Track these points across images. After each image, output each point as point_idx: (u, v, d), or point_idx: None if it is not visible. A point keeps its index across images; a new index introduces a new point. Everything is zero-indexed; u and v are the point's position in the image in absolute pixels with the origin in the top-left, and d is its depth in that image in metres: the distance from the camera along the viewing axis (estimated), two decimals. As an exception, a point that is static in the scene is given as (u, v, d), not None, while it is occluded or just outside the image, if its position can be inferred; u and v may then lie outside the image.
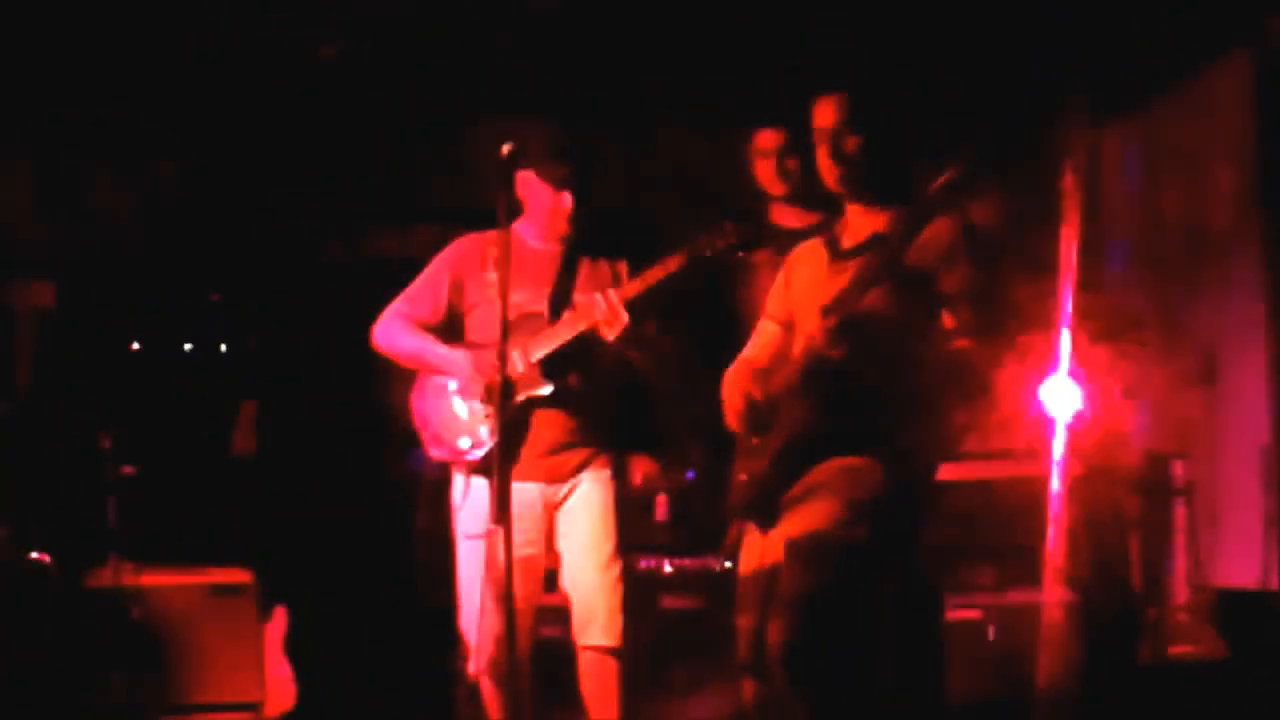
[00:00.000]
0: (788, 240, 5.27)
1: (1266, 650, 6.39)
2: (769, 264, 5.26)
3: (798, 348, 4.67)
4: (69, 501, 6.97)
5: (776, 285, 4.96)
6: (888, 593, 4.72)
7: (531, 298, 5.55)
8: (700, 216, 5.49)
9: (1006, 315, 4.65)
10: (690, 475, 7.21)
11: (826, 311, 4.45)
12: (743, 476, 4.73)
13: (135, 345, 8.06)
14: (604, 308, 5.36)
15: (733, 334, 5.59)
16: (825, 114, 4.71)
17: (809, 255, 4.88)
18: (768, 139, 6.06)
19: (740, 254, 5.39)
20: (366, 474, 7.82)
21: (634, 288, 5.43)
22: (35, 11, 6.87)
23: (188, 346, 8.34)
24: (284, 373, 8.30)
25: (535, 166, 5.53)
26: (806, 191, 5.74)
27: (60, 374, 7.70)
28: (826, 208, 5.01)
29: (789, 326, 4.84)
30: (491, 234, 5.51)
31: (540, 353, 5.47)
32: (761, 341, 4.93)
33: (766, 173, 6.09)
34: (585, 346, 5.48)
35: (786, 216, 6.02)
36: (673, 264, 5.40)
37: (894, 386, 4.50)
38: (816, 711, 4.45)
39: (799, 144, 5.53)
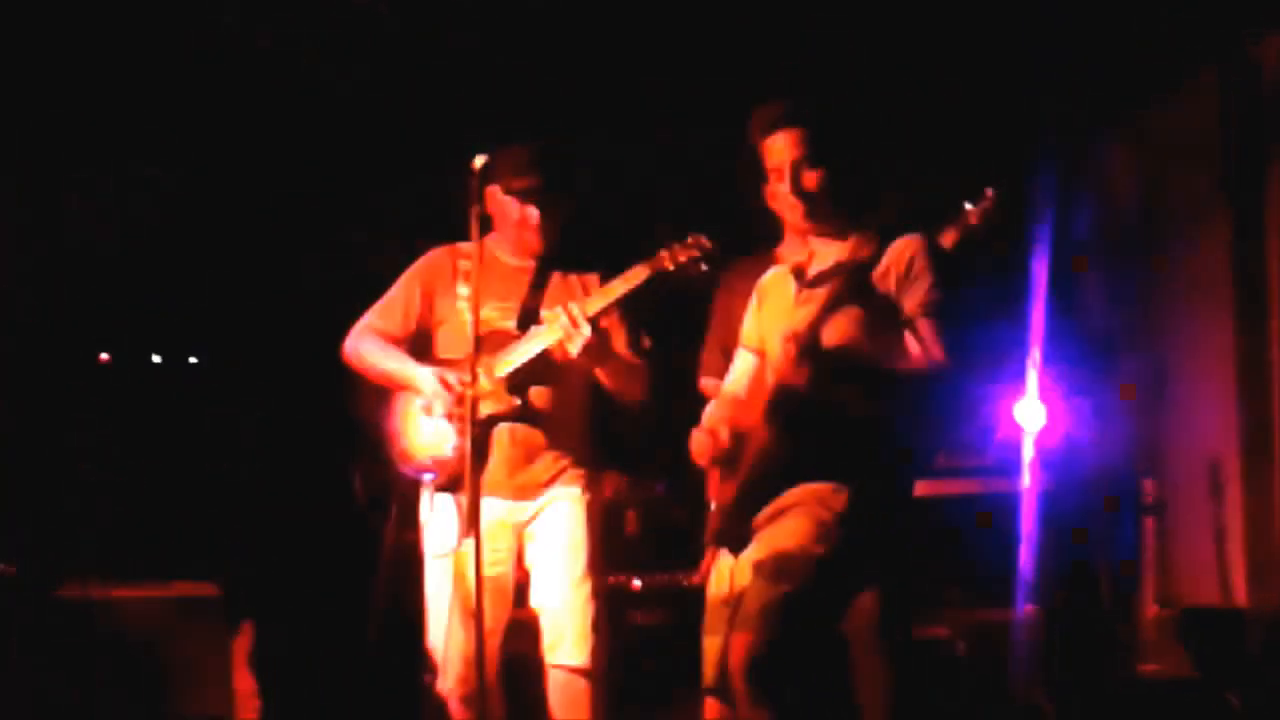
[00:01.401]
0: (764, 264, 5.21)
1: (1232, 667, 6.40)
2: (745, 280, 5.21)
3: (769, 377, 4.68)
4: (36, 514, 6.93)
5: (750, 314, 4.96)
6: (858, 610, 4.75)
7: (500, 313, 5.54)
8: (672, 228, 5.47)
9: (972, 333, 4.66)
10: (660, 489, 7.21)
11: (789, 340, 4.46)
12: (714, 506, 4.74)
13: (104, 356, 8.03)
14: (566, 322, 5.33)
15: (700, 347, 5.61)
16: (784, 148, 4.70)
17: (777, 284, 4.87)
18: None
19: (705, 268, 5.36)
20: (334, 489, 7.79)
21: (597, 302, 5.41)
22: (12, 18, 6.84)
23: (156, 359, 8.32)
24: (250, 385, 8.27)
25: (500, 181, 5.52)
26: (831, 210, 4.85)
27: (28, 385, 7.66)
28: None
29: (764, 356, 4.84)
30: (462, 246, 5.51)
31: (506, 369, 5.45)
32: (741, 373, 4.93)
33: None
34: (553, 363, 5.46)
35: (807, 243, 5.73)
36: (634, 277, 5.39)
37: (858, 411, 4.51)
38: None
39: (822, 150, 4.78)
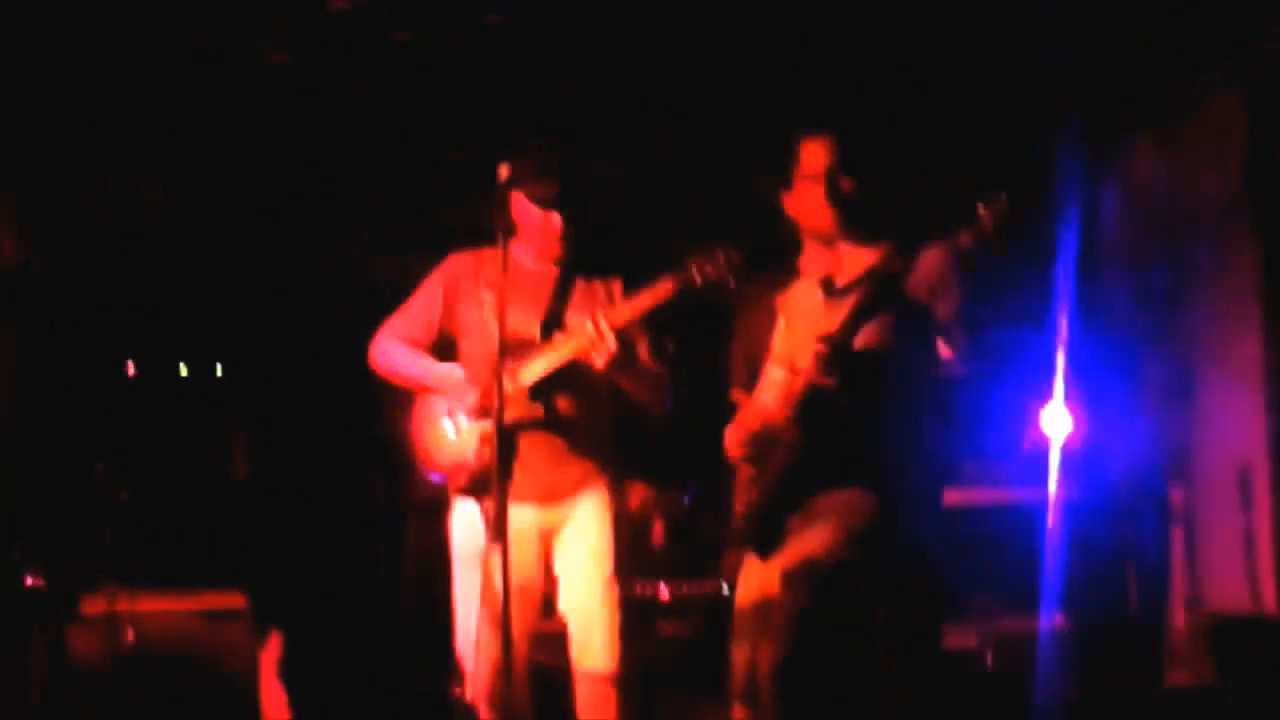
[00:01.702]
0: (786, 277, 5.20)
1: (1261, 675, 6.38)
2: (767, 291, 5.20)
3: (798, 382, 4.67)
4: (63, 527, 6.94)
5: (779, 328, 4.95)
6: (886, 619, 4.73)
7: (523, 320, 5.53)
8: (702, 237, 5.46)
9: (1001, 341, 4.66)
10: (687, 499, 7.21)
11: (821, 341, 4.46)
12: (739, 507, 4.73)
13: (131, 369, 8.04)
14: (592, 333, 5.33)
15: (725, 360, 5.60)
16: (817, 156, 4.71)
17: (804, 296, 4.87)
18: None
19: (734, 283, 5.33)
20: (361, 498, 7.81)
21: (622, 314, 5.39)
22: (20, 23, 6.85)
23: (184, 370, 8.34)
24: (278, 396, 8.29)
25: (523, 187, 5.51)
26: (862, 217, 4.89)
27: (54, 398, 7.67)
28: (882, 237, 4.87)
29: (794, 370, 4.84)
30: (486, 251, 5.50)
31: (530, 376, 5.44)
32: (771, 386, 4.92)
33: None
34: (577, 370, 5.46)
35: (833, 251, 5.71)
36: (662, 291, 5.37)
37: (887, 416, 4.51)
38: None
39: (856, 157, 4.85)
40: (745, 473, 4.81)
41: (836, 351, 4.43)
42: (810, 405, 4.55)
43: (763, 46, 7.14)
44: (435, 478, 5.61)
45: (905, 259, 4.48)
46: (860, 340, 4.49)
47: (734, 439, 4.76)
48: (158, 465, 7.72)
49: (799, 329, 4.82)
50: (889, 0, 6.82)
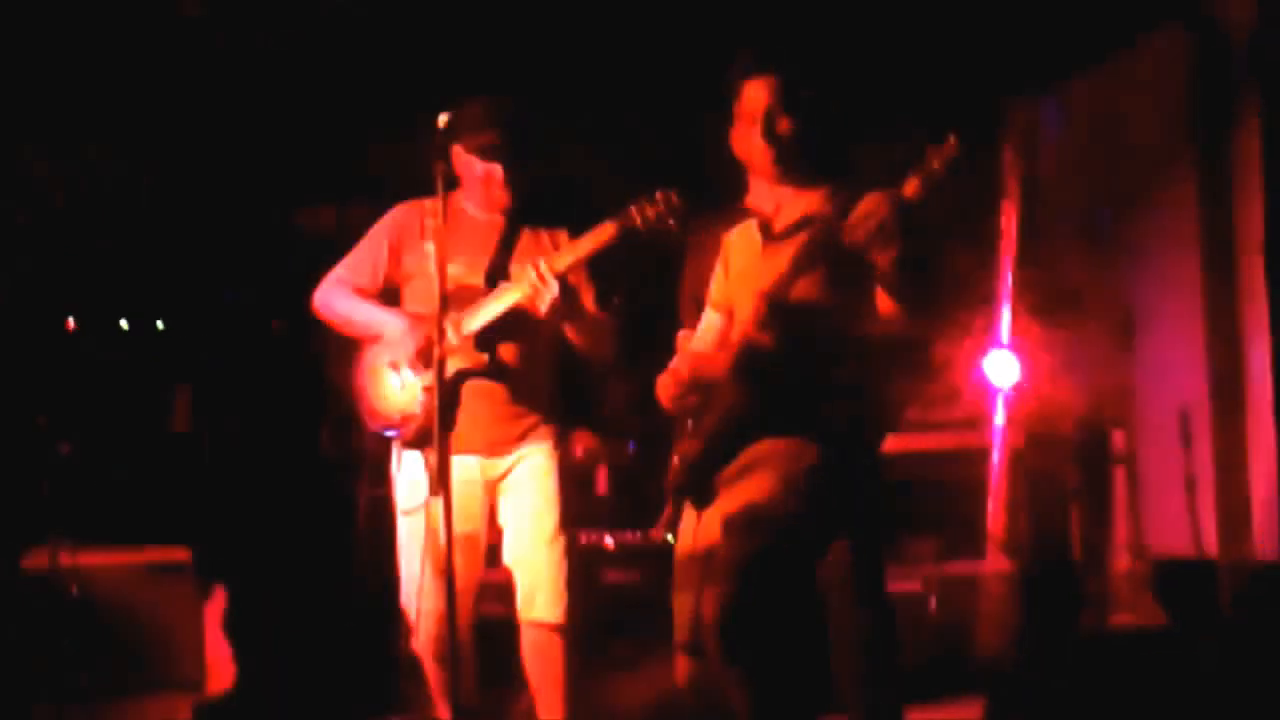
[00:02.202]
0: (734, 217, 5.19)
1: (1205, 617, 6.42)
2: (714, 234, 5.19)
3: (735, 333, 4.66)
4: (4, 482, 6.91)
5: (717, 274, 4.94)
6: (830, 564, 4.74)
7: (468, 269, 5.51)
8: (643, 184, 5.44)
9: (943, 289, 4.65)
10: (631, 448, 7.21)
11: (759, 298, 4.45)
12: (677, 458, 4.72)
13: (70, 323, 7.99)
14: (534, 279, 5.32)
15: (673, 308, 5.59)
16: (757, 94, 4.69)
17: (743, 239, 4.86)
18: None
19: (675, 225, 5.32)
20: (305, 450, 7.78)
21: (565, 260, 5.39)
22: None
23: (124, 324, 8.29)
24: (220, 350, 8.25)
25: (461, 139, 5.49)
26: (801, 161, 4.79)
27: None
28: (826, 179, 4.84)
29: (731, 314, 4.84)
30: (429, 202, 5.47)
31: (474, 325, 5.42)
32: (708, 330, 4.92)
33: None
34: (522, 319, 5.44)
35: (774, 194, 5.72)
36: (603, 234, 5.36)
37: (827, 371, 4.51)
38: (751, 683, 4.45)
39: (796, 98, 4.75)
40: (683, 424, 4.81)
41: (775, 310, 4.42)
42: (748, 361, 4.54)
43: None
44: (386, 431, 5.60)
45: (843, 203, 4.47)
46: (798, 292, 4.47)
47: (666, 388, 4.75)
48: (100, 419, 7.68)
49: (736, 273, 4.82)
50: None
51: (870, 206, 4.44)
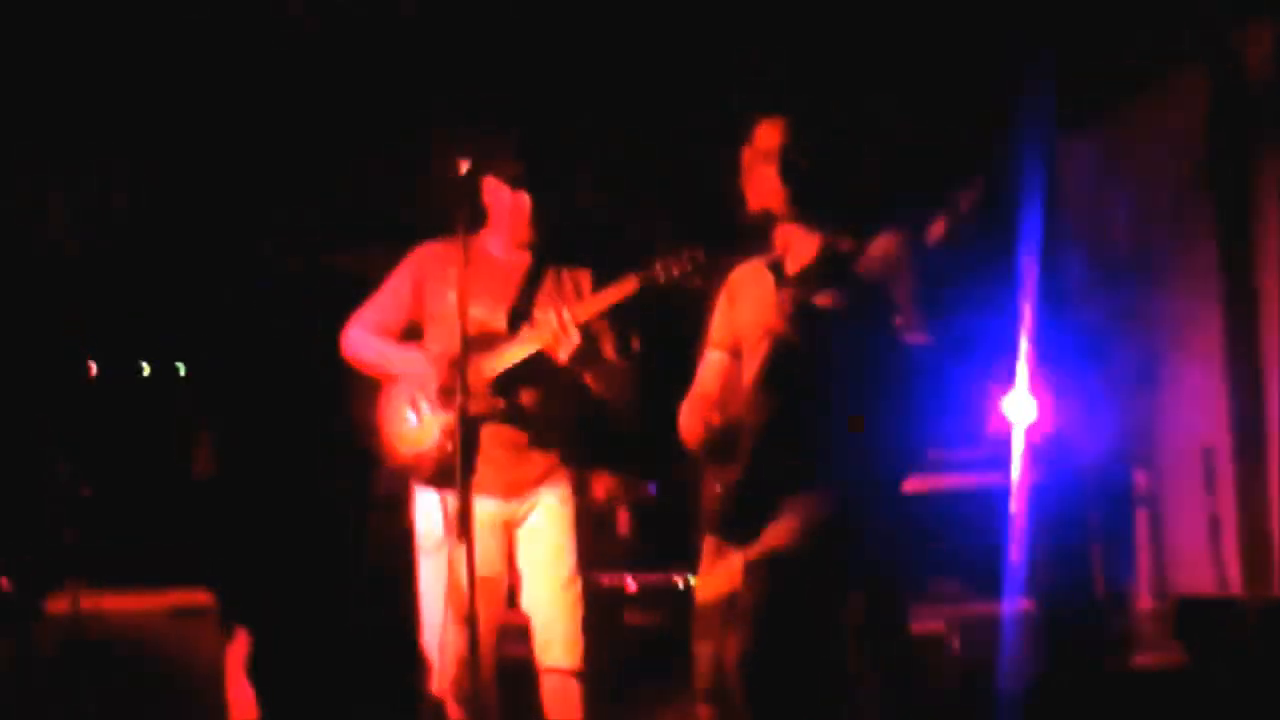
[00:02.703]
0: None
1: (1228, 657, 6.39)
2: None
3: (749, 373, 4.66)
4: (27, 525, 6.92)
5: (720, 313, 4.94)
6: (853, 608, 4.73)
7: (490, 312, 5.53)
8: (672, 229, 5.47)
9: (961, 326, 4.65)
10: (652, 490, 7.20)
11: (786, 298, 4.44)
12: (717, 487, 4.70)
13: (93, 367, 8.00)
14: (556, 328, 5.34)
15: (689, 354, 5.59)
16: (772, 134, 4.70)
17: (753, 280, 4.85)
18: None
19: (698, 282, 5.34)
20: (327, 493, 7.79)
21: (587, 310, 5.41)
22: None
23: (146, 368, 8.30)
24: (243, 393, 8.26)
25: (493, 168, 5.52)
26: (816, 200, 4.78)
27: (16, 397, 7.64)
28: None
29: (736, 354, 4.83)
30: (454, 241, 5.51)
31: (494, 369, 5.44)
32: (711, 372, 4.91)
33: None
34: (541, 364, 5.46)
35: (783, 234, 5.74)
36: (626, 288, 5.39)
37: (854, 385, 4.49)
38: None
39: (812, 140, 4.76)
40: (716, 458, 4.79)
41: (801, 308, 4.40)
42: (779, 365, 4.52)
43: (723, 30, 7.17)
44: (397, 467, 5.61)
45: (857, 241, 4.47)
46: (821, 301, 4.46)
47: (694, 430, 4.74)
48: (122, 463, 7.69)
49: (746, 313, 4.81)
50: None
51: (885, 244, 4.46)
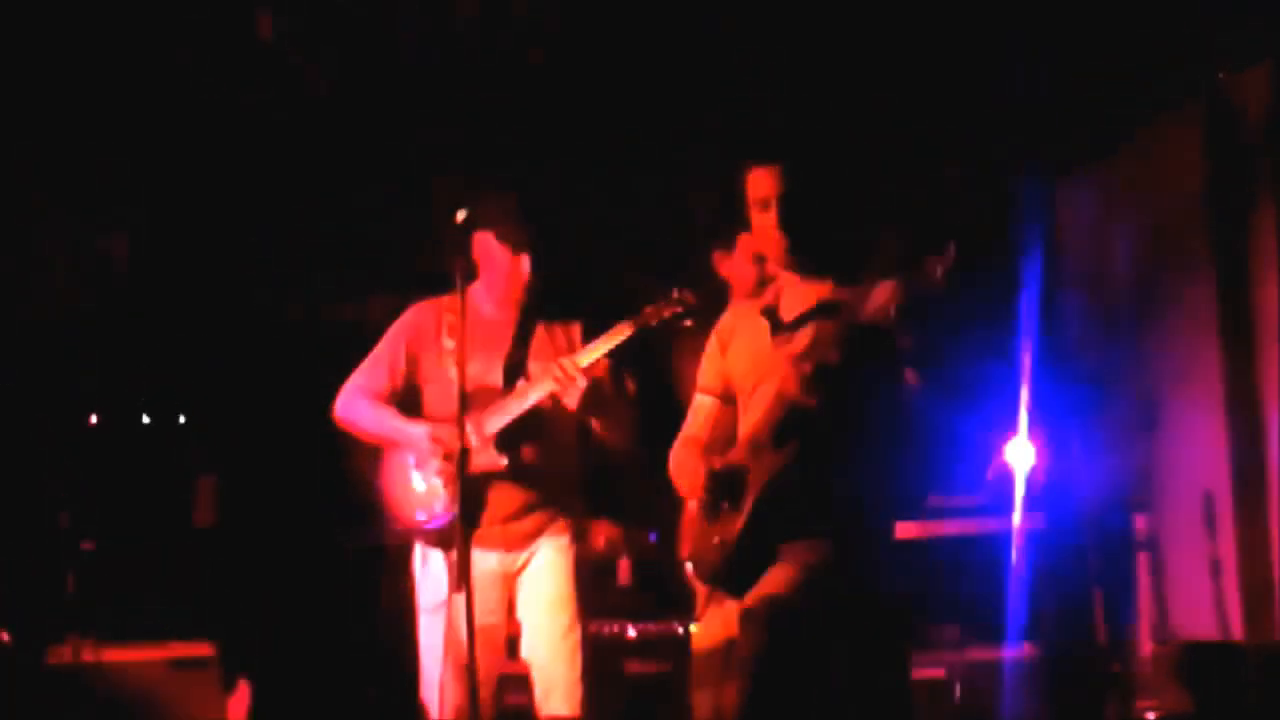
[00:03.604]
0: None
1: (1229, 702, 6.39)
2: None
3: (750, 417, 4.66)
4: (28, 578, 6.92)
5: (710, 359, 4.93)
6: (850, 653, 4.72)
7: (485, 369, 5.54)
8: (655, 278, 5.48)
9: (961, 374, 4.65)
10: (653, 538, 7.20)
11: (800, 360, 4.44)
12: (715, 539, 4.70)
13: (93, 419, 8.02)
14: (561, 374, 5.35)
15: (672, 397, 5.61)
16: (769, 182, 4.69)
17: (746, 327, 4.85)
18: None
19: (690, 324, 5.37)
20: (328, 544, 7.79)
21: (586, 356, 5.42)
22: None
23: (146, 419, 8.32)
24: (243, 443, 8.27)
25: (495, 229, 5.53)
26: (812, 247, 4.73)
27: (16, 449, 7.65)
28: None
29: (727, 400, 4.83)
30: (445, 300, 5.52)
31: (495, 426, 5.45)
32: (701, 417, 4.91)
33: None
34: (541, 417, 5.48)
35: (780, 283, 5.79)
36: (618, 335, 5.41)
37: (862, 438, 4.50)
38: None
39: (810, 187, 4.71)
40: (716, 506, 4.78)
41: (816, 370, 4.40)
42: (789, 424, 4.52)
43: (715, 87, 7.20)
44: (403, 528, 5.61)
45: (856, 291, 4.47)
46: (834, 360, 4.46)
47: (690, 478, 4.74)
48: (122, 514, 7.70)
49: (741, 359, 4.81)
50: (847, 39, 6.89)
51: (881, 296, 4.46)
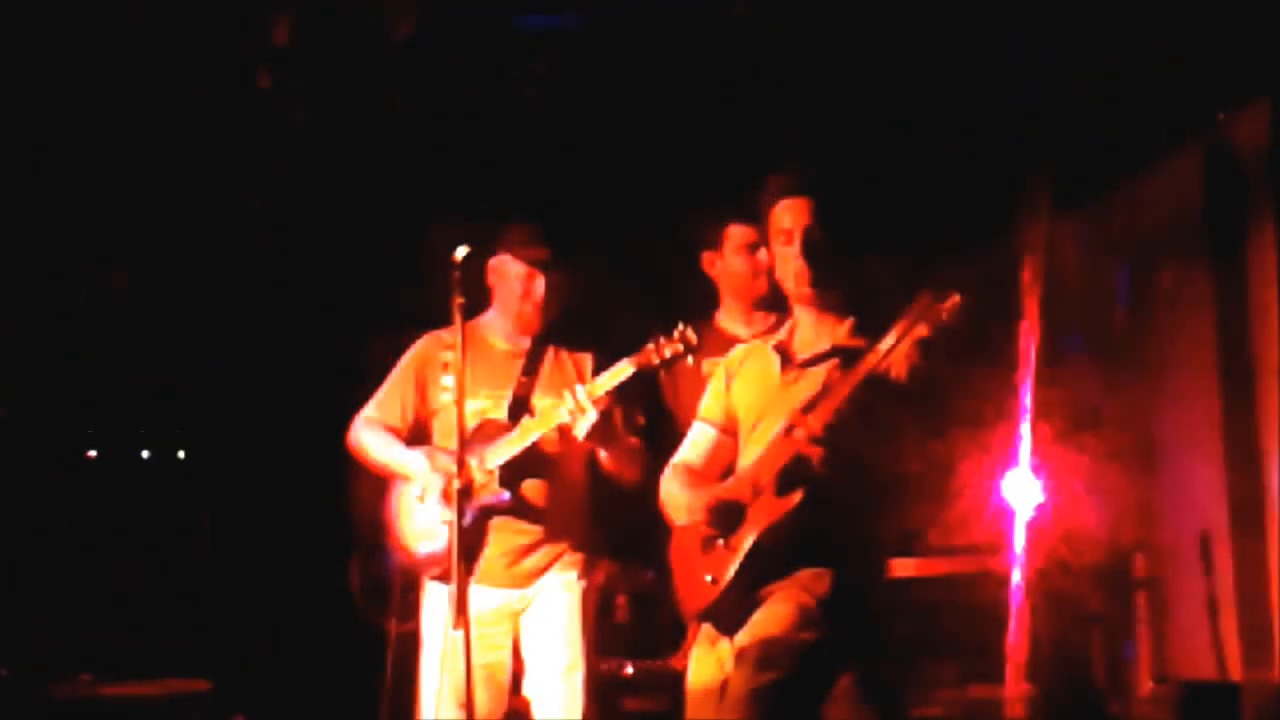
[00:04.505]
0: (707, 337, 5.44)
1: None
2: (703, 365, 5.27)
3: (751, 453, 4.66)
4: (27, 613, 6.92)
5: (714, 389, 4.95)
6: (847, 693, 4.71)
7: (492, 402, 5.55)
8: (657, 314, 5.49)
9: (967, 411, 4.66)
10: (650, 576, 7.18)
11: (809, 409, 4.45)
12: (707, 576, 4.69)
13: (91, 453, 8.03)
14: (573, 405, 5.36)
15: (669, 430, 5.61)
16: (796, 214, 4.71)
17: (756, 361, 4.87)
18: (747, 233, 5.79)
19: (690, 361, 5.39)
20: (325, 581, 7.77)
21: (598, 388, 5.41)
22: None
23: (145, 455, 8.32)
24: (242, 480, 8.27)
25: (513, 250, 5.55)
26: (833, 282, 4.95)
27: (15, 483, 7.65)
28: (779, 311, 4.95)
29: (728, 432, 4.84)
30: (450, 333, 5.53)
31: (497, 460, 5.45)
32: (698, 445, 4.92)
33: (743, 270, 5.89)
34: (546, 452, 5.48)
35: (747, 322, 5.92)
36: (620, 374, 5.42)
37: (864, 482, 4.50)
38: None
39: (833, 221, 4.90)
40: (710, 543, 4.76)
41: (826, 425, 4.41)
42: (793, 475, 4.52)
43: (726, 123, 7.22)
44: (407, 562, 5.61)
45: (874, 342, 4.48)
46: (843, 411, 4.47)
47: (684, 510, 4.73)
48: (121, 550, 7.70)
49: (748, 396, 4.82)
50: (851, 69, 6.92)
51: (899, 351, 4.47)
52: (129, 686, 6.82)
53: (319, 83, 6.98)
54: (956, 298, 4.38)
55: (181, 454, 8.44)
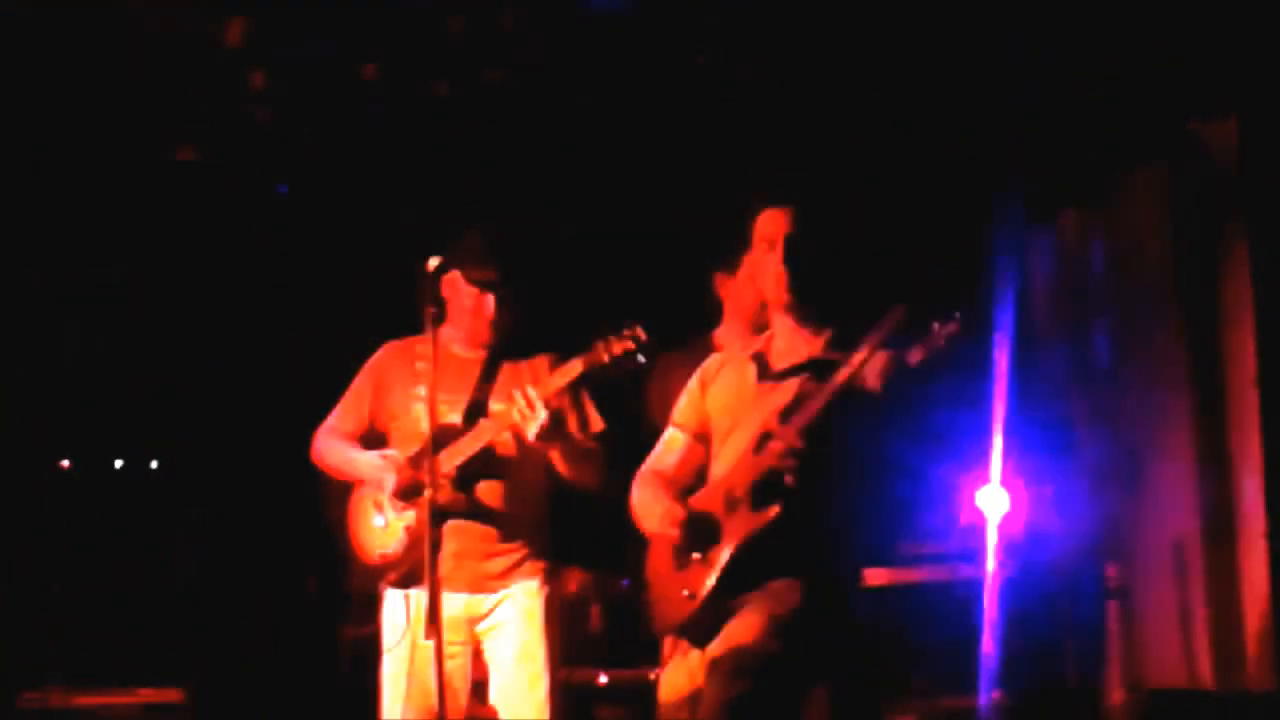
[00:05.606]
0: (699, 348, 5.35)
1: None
2: (683, 368, 5.23)
3: (724, 461, 4.67)
4: (-1, 623, 6.92)
5: (689, 396, 4.94)
6: (820, 703, 4.72)
7: (448, 407, 5.52)
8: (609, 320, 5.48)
9: (936, 422, 4.67)
10: (624, 584, 7.19)
11: (783, 420, 4.45)
12: (684, 591, 4.69)
13: (64, 463, 8.01)
14: (522, 405, 5.32)
15: (639, 433, 5.60)
16: (778, 223, 4.71)
17: (732, 369, 4.87)
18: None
19: (642, 360, 5.33)
20: (298, 592, 7.78)
21: (542, 391, 5.38)
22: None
23: (118, 464, 8.31)
24: (216, 490, 8.26)
25: (463, 267, 5.53)
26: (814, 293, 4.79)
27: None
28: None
29: (701, 438, 4.85)
30: (414, 340, 5.53)
31: (451, 463, 5.43)
32: (671, 451, 4.92)
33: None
34: (501, 455, 5.47)
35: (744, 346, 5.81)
36: (570, 372, 5.37)
37: (837, 493, 4.51)
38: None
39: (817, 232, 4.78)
40: (684, 556, 4.77)
41: (800, 434, 4.42)
42: (768, 485, 4.52)
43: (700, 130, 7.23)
44: (364, 568, 5.61)
45: (850, 356, 4.48)
46: (817, 423, 4.47)
47: (659, 520, 4.73)
48: (94, 560, 7.68)
49: (721, 403, 4.82)
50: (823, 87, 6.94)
51: (877, 365, 4.48)
52: (101, 696, 6.81)
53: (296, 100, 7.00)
54: (955, 325, 4.40)
55: (154, 464, 8.42)
